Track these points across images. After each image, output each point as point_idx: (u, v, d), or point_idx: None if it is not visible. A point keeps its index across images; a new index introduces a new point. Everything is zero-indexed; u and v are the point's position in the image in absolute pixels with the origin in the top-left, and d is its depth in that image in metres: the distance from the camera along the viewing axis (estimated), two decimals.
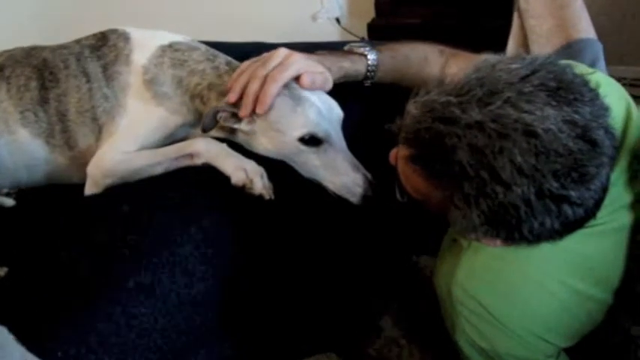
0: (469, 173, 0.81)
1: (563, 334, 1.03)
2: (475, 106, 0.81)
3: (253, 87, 1.10)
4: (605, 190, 0.84)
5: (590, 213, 0.84)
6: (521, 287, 1.01)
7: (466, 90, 0.83)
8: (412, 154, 0.90)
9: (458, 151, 0.81)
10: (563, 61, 0.89)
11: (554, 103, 0.80)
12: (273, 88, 1.10)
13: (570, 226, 0.84)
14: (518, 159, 0.78)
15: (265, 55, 1.16)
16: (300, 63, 1.14)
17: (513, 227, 0.83)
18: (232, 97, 1.12)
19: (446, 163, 0.83)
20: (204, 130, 1.17)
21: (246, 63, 1.17)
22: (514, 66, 0.84)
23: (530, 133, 0.78)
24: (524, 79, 0.82)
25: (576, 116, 0.79)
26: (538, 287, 1.00)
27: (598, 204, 0.84)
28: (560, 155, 0.78)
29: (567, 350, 1.08)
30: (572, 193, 0.80)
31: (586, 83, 0.84)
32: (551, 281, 0.99)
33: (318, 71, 1.16)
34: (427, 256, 1.51)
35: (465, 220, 0.86)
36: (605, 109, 0.84)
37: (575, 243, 0.93)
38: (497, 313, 1.02)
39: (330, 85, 1.19)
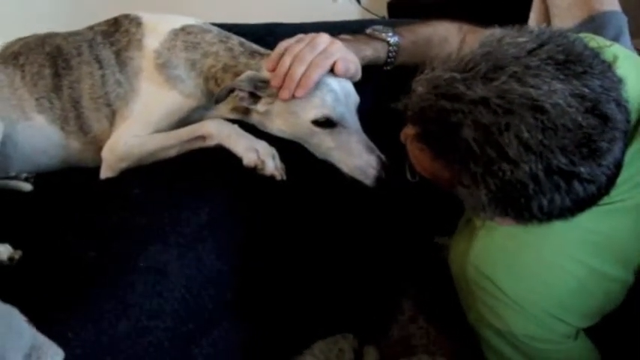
0: (475, 151, 0.79)
1: (580, 313, 1.01)
2: (480, 81, 0.79)
3: (299, 70, 1.09)
4: (619, 166, 0.82)
5: (603, 190, 0.82)
6: (536, 266, 1.00)
7: (471, 66, 0.81)
8: (418, 133, 0.89)
9: (463, 129, 0.79)
10: (575, 34, 0.86)
11: (562, 76, 0.77)
12: (317, 74, 1.09)
13: (582, 204, 0.82)
14: (525, 135, 0.76)
15: (304, 36, 1.15)
16: (342, 52, 1.13)
17: (522, 205, 0.81)
18: (276, 81, 1.10)
19: (451, 141, 0.81)
20: (217, 102, 1.18)
21: (284, 44, 1.15)
22: (521, 39, 0.81)
23: (536, 108, 0.76)
24: (530, 52, 0.80)
25: (585, 90, 0.76)
26: (553, 266, 0.98)
27: (611, 180, 0.82)
28: (569, 130, 0.76)
29: (588, 330, 1.06)
30: (583, 170, 0.77)
31: (597, 55, 0.81)
32: (567, 260, 0.97)
33: (353, 60, 1.16)
34: (449, 238, 1.50)
35: (474, 198, 0.84)
36: (618, 82, 0.81)
37: (592, 221, 0.91)
38: (511, 292, 1.00)
39: (359, 76, 1.19)
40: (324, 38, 1.13)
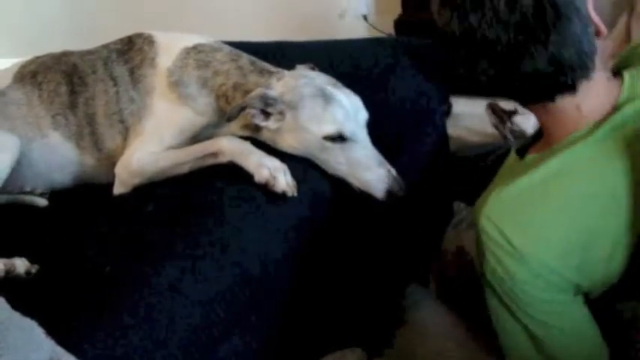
0: None
1: (576, 267, 1.02)
2: None
3: None
4: None
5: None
6: (541, 214, 1.02)
7: None
8: None
9: None
10: None
11: None
12: None
13: None
14: None
15: None
16: None
17: None
18: None
19: None
20: (229, 120, 1.21)
21: None
22: None
23: None
24: None
25: None
26: (557, 212, 1.00)
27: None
28: None
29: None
30: None
31: None
32: (572, 215, 0.99)
33: None
34: (453, 250, 1.51)
35: None
36: None
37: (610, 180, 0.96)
38: (517, 243, 1.02)
39: None
40: None
